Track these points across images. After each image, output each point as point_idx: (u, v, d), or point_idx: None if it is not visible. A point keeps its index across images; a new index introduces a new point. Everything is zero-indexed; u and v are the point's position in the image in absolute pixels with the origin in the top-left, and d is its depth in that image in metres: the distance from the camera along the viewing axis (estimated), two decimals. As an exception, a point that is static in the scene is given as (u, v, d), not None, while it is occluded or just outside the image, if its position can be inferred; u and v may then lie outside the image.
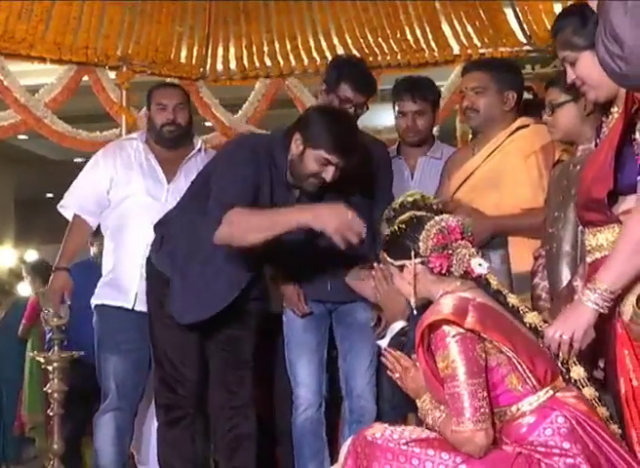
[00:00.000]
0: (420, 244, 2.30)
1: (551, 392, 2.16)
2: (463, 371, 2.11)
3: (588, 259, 2.34)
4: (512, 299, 2.30)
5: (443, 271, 2.29)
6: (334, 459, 3.18)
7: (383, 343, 2.64)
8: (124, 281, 3.42)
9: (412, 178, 3.52)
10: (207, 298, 3.03)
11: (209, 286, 3.03)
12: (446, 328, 2.15)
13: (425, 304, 2.38)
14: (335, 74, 3.28)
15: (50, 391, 3.72)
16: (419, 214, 2.36)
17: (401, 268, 2.36)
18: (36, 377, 5.66)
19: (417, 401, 2.29)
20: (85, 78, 4.47)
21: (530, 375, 2.15)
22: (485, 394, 2.12)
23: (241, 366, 3.17)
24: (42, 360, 3.80)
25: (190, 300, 3.05)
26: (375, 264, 2.77)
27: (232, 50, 4.83)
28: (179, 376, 3.10)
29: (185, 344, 3.10)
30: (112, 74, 4.55)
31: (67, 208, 3.59)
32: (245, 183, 2.88)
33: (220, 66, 4.81)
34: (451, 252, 2.29)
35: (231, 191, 2.86)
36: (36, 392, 5.69)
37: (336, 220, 2.69)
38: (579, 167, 2.70)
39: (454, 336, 2.13)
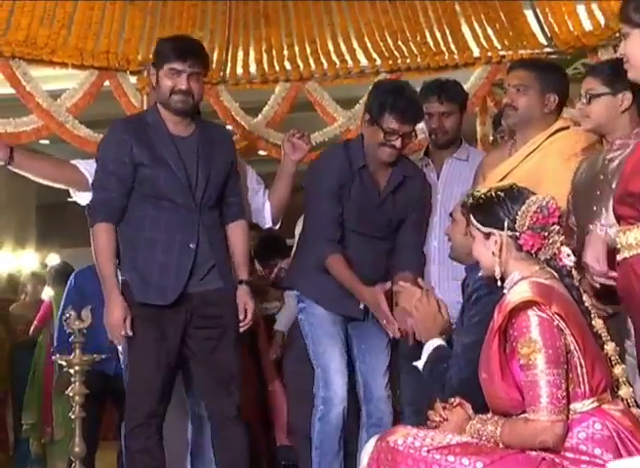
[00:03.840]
0: (518, 218, 2.25)
1: (597, 403, 2.14)
2: (547, 359, 2.08)
3: (618, 257, 2.33)
4: (587, 300, 2.27)
5: (532, 251, 2.25)
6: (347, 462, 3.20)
7: (421, 364, 2.61)
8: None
9: (437, 179, 3.53)
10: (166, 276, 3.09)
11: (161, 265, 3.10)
12: (531, 312, 2.11)
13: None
14: (377, 104, 3.22)
15: (71, 394, 3.73)
16: (520, 185, 2.32)
17: (487, 236, 2.31)
18: (38, 379, 5.71)
19: (467, 426, 2.24)
20: (106, 83, 4.49)
21: (585, 380, 2.13)
22: (565, 384, 2.09)
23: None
24: (64, 363, 3.82)
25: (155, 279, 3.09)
26: (419, 280, 2.81)
27: (252, 54, 4.82)
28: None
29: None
30: (133, 79, 4.56)
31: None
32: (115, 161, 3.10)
33: (239, 70, 4.79)
34: (546, 234, 2.24)
35: (107, 174, 3.11)
36: (34, 393, 5.74)
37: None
38: (616, 162, 2.67)
39: (540, 321, 2.09)
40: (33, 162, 3.38)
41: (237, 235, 3.25)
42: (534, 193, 2.30)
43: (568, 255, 2.27)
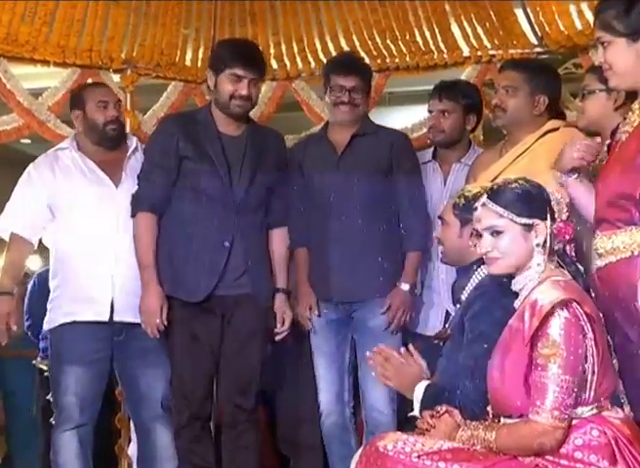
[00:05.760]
0: (555, 207, 2.23)
1: (596, 410, 2.12)
2: (566, 365, 2.05)
3: (600, 263, 2.31)
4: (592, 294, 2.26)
5: (567, 238, 2.24)
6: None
7: (417, 412, 2.53)
8: (96, 294, 3.29)
9: (444, 184, 3.50)
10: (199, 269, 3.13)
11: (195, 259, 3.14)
12: (560, 312, 2.08)
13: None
14: (325, 72, 3.45)
15: (52, 399, 3.67)
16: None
17: (529, 228, 2.24)
18: None
19: (457, 434, 2.22)
20: (89, 81, 4.40)
21: (593, 387, 2.10)
22: (575, 393, 2.06)
23: None
24: (44, 367, 3.75)
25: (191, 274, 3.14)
26: (367, 353, 2.73)
27: (238, 52, 4.77)
28: None
29: None
30: (116, 77, 4.48)
31: (4, 229, 3.46)
32: (161, 156, 3.16)
33: (225, 69, 4.74)
34: (570, 222, 2.26)
35: (152, 166, 3.18)
36: None
37: None
38: (605, 162, 2.65)
39: (568, 324, 2.06)
40: (17, 277, 3.47)
41: (277, 242, 3.30)
42: None
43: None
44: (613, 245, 2.26)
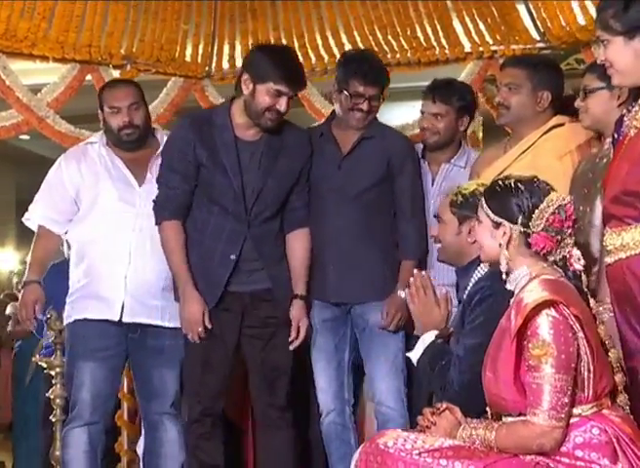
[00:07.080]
0: (534, 216, 2.17)
1: (596, 409, 2.10)
2: (558, 364, 2.03)
3: (609, 260, 2.30)
4: (594, 305, 2.23)
5: (542, 253, 2.18)
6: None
7: (414, 356, 2.56)
8: (107, 293, 3.26)
9: (432, 184, 3.46)
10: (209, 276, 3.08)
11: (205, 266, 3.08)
12: (548, 312, 2.05)
13: None
14: (343, 72, 3.31)
15: (52, 397, 3.66)
16: (542, 180, 2.24)
17: (497, 225, 2.23)
18: None
19: (457, 432, 2.20)
20: (88, 77, 4.39)
21: (591, 385, 2.08)
22: (570, 391, 2.04)
23: None
24: (44, 364, 3.74)
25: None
26: (415, 271, 2.71)
27: (238, 48, 4.74)
28: None
29: None
30: (116, 73, 4.46)
31: (31, 219, 3.45)
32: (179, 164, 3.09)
33: (226, 65, 4.71)
34: (559, 238, 2.17)
35: (172, 172, 3.10)
36: None
37: None
38: (605, 160, 2.63)
39: (556, 323, 2.04)
40: (44, 267, 3.45)
41: (297, 245, 3.19)
42: (554, 189, 2.23)
43: (578, 259, 2.21)
44: (622, 241, 2.25)
